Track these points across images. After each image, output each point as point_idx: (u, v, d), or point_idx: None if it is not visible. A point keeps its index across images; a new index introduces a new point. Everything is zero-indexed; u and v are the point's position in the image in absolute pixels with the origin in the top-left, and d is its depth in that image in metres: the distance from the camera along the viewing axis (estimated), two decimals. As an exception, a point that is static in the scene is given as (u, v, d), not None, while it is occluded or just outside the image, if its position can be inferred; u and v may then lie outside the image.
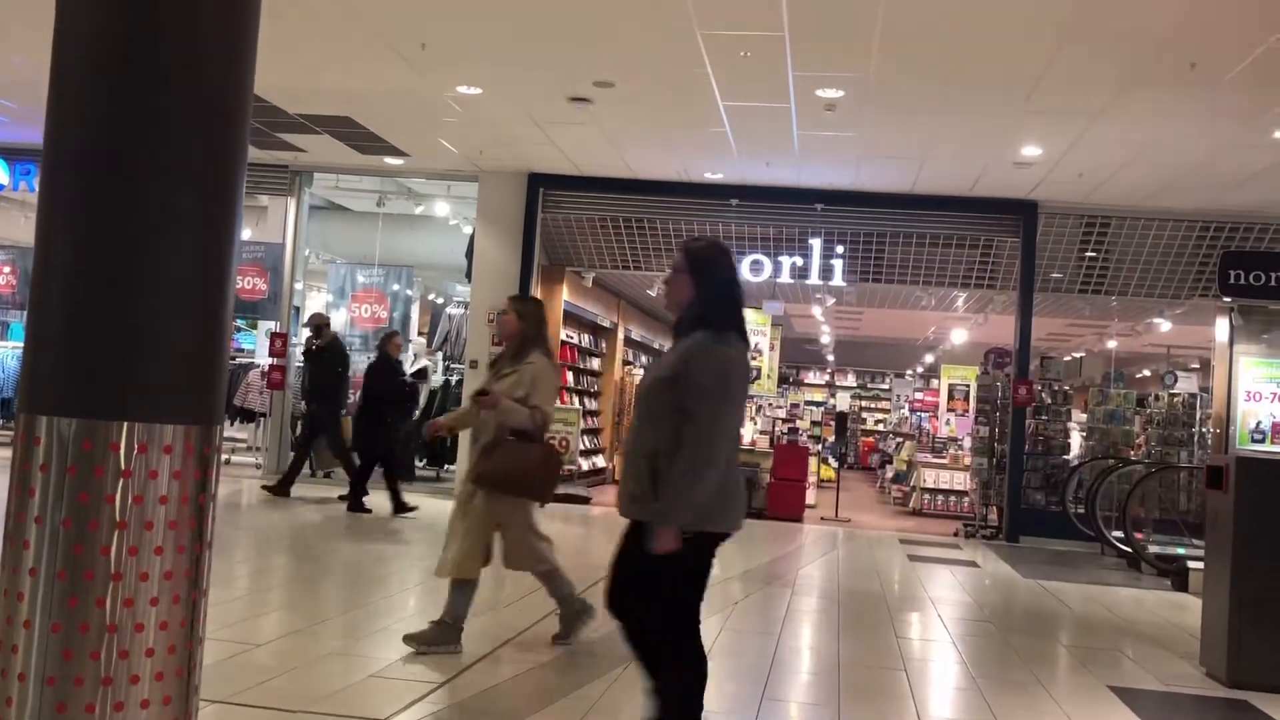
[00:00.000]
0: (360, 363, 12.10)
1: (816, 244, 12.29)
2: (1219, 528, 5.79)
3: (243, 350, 16.15)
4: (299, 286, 13.38)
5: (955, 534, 12.10)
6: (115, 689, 2.31)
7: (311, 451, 11.49)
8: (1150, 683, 5.56)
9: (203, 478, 2.46)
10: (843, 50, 7.51)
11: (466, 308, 12.65)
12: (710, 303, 3.37)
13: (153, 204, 2.38)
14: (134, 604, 2.34)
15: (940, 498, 14.70)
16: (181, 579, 2.42)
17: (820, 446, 16.89)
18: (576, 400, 14.64)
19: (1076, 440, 13.85)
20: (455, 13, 7.35)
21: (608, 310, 15.92)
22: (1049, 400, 12.65)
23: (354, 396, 12.57)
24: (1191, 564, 8.74)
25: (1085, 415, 13.72)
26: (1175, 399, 12.65)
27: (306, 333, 11.56)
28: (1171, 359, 15.75)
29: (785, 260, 12.37)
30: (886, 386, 29.42)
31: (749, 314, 14.25)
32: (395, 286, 13.74)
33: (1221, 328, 10.77)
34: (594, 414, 15.46)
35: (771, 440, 13.46)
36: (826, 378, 29.68)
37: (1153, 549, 10.03)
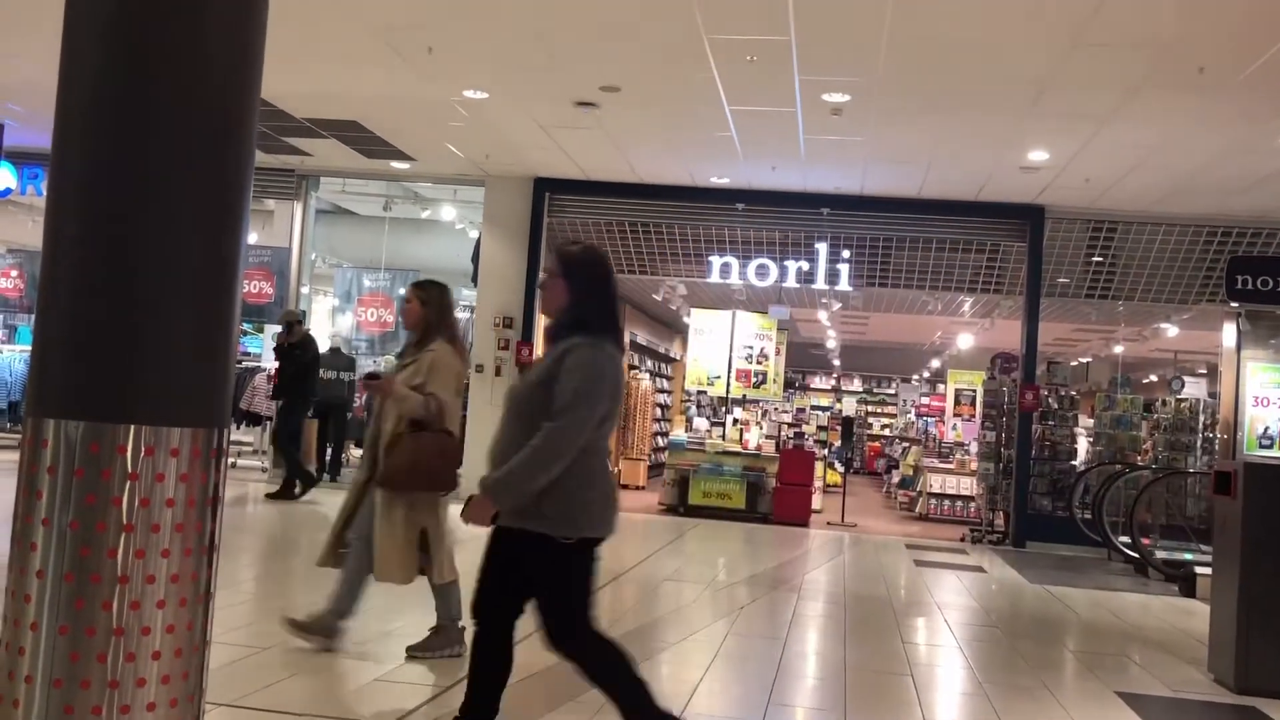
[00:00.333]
0: (365, 366, 12.09)
1: (822, 248, 12.29)
2: (1227, 533, 5.77)
3: (249, 354, 16.17)
4: (305, 291, 13.40)
5: (962, 539, 12.08)
6: (122, 692, 2.32)
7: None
8: (1158, 689, 5.54)
9: (209, 481, 2.47)
10: (849, 54, 7.50)
11: (472, 312, 12.66)
12: (585, 308, 3.31)
13: (160, 208, 2.39)
14: (141, 607, 2.34)
15: (946, 503, 14.68)
16: (188, 582, 2.42)
17: (826, 451, 16.85)
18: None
19: (1083, 445, 13.83)
20: (462, 17, 7.36)
21: (613, 314, 15.86)
22: (1055, 405, 12.60)
23: (359, 400, 12.59)
24: (1199, 570, 8.73)
25: (1092, 420, 13.69)
26: (1182, 404, 12.63)
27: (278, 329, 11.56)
28: (1179, 364, 15.72)
29: (791, 264, 12.38)
30: (893, 391, 29.37)
31: (755, 318, 14.35)
32: (401, 291, 13.75)
33: (1229, 333, 10.71)
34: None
35: (777, 445, 13.44)
36: (832, 382, 29.62)
37: (1160, 554, 10.01)
